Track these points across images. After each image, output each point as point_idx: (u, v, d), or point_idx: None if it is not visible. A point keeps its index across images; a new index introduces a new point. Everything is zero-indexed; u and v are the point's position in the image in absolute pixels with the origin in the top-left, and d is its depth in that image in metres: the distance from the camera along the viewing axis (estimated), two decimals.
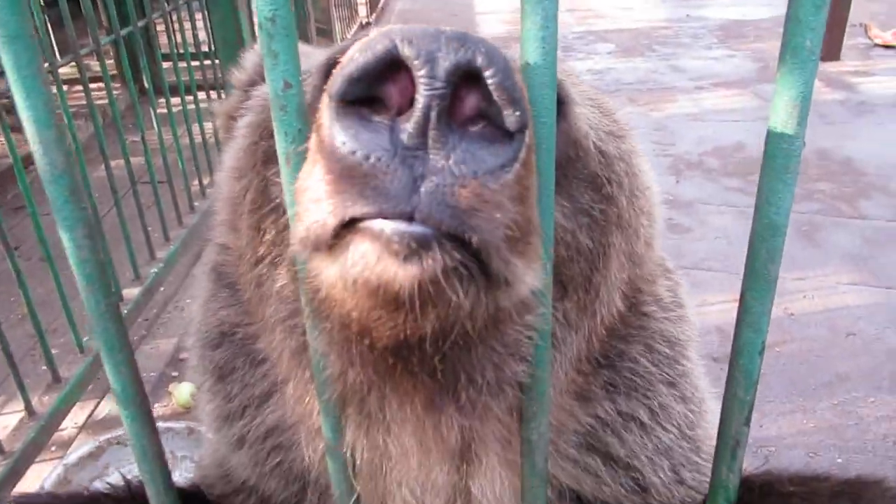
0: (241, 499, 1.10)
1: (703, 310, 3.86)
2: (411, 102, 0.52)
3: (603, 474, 0.98)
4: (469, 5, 11.54)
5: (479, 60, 0.52)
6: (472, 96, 0.53)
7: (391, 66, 0.52)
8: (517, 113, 0.54)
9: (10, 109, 2.93)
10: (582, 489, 0.99)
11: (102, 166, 3.55)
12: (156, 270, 3.77)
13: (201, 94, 4.84)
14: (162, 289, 4.13)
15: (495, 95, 0.53)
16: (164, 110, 4.28)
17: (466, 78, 0.52)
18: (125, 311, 3.45)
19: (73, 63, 3.32)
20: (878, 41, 8.49)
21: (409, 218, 0.53)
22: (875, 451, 2.96)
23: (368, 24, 9.99)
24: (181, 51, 4.51)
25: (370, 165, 0.52)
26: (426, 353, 0.64)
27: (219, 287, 1.06)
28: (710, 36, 9.15)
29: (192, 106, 4.60)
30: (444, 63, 0.51)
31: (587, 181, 0.88)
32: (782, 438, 3.03)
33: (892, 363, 3.44)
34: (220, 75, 5.11)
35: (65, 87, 3.26)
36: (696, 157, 5.71)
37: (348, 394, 0.73)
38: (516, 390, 0.77)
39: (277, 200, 0.83)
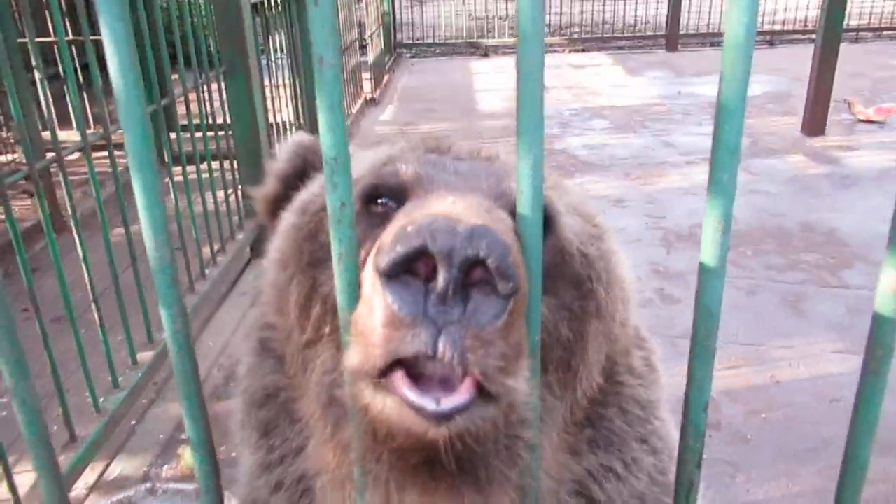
0: None
1: None
2: (435, 269, 0.76)
3: None
4: (469, 84, 12.02)
5: (482, 253, 0.74)
6: (479, 270, 0.76)
7: (421, 254, 0.76)
8: (510, 284, 0.76)
9: (42, 175, 3.10)
10: None
11: (121, 229, 3.77)
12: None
13: (215, 164, 5.08)
14: None
15: (494, 274, 0.76)
16: (179, 178, 4.52)
17: (474, 262, 0.76)
18: (138, 376, 3.60)
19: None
20: (861, 117, 8.86)
21: (434, 354, 0.77)
22: None
23: (373, 99, 10.42)
24: (197, 122, 4.79)
25: (410, 321, 0.76)
26: (449, 462, 0.84)
27: (264, 357, 1.24)
28: (701, 112, 9.53)
29: (206, 174, 4.84)
30: (459, 258, 0.75)
31: (571, 280, 1.08)
32: (769, 502, 3.14)
33: (878, 428, 3.57)
34: (233, 145, 5.40)
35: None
36: (687, 229, 5.94)
37: (372, 478, 0.92)
38: (524, 457, 0.95)
39: (324, 296, 1.04)
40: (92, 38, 3.60)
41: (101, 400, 3.34)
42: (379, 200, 1.06)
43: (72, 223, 3.23)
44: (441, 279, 0.75)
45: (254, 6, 5.39)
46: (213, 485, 0.91)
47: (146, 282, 3.87)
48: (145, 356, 3.71)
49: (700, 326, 0.82)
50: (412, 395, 0.78)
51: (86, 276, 3.34)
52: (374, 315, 0.78)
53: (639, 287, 4.70)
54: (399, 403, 0.79)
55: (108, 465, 3.57)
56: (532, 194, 0.74)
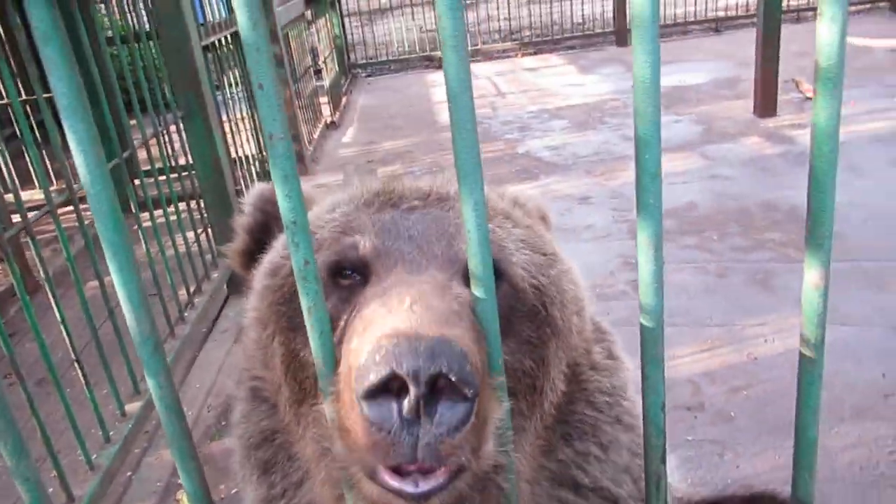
0: None
1: (672, 364, 4.12)
2: (405, 384, 0.85)
3: (577, 500, 1.24)
4: (426, 96, 12.12)
5: (444, 368, 0.84)
6: (443, 381, 0.86)
7: (392, 378, 0.85)
8: (470, 390, 0.86)
9: (10, 240, 3.10)
10: None
11: (92, 282, 3.78)
12: None
13: (182, 206, 5.09)
14: None
15: (457, 384, 0.85)
16: (148, 223, 4.53)
17: (438, 375, 0.85)
18: (129, 428, 3.60)
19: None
20: (809, 94, 9.10)
21: (415, 461, 0.89)
22: (843, 478, 3.18)
23: (333, 122, 10.47)
24: (160, 166, 4.81)
25: (390, 438, 0.86)
26: None
27: (257, 404, 1.32)
28: None
29: (174, 217, 4.85)
30: (424, 377, 0.84)
31: (527, 315, 1.18)
32: (758, 475, 3.24)
33: (850, 395, 3.70)
34: (197, 185, 5.42)
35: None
36: None
37: None
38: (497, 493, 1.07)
39: (306, 358, 1.12)
40: (45, 95, 3.62)
41: (95, 456, 3.34)
42: (345, 273, 1.15)
43: (46, 287, 3.23)
44: (411, 396, 0.85)
45: (205, 48, 5.43)
46: None
47: (126, 334, 3.89)
48: (133, 407, 3.72)
49: (647, 336, 0.90)
50: (394, 482, 0.90)
51: (65, 336, 3.34)
52: (358, 430, 0.88)
53: (611, 281, 4.78)
54: (383, 490, 0.91)
55: None
56: (478, 234, 0.81)
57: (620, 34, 14.27)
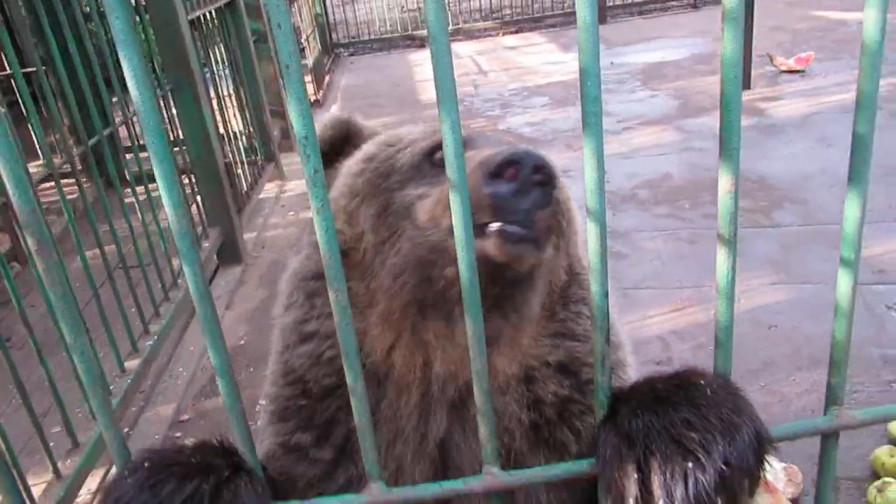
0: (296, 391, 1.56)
1: (644, 323, 4.37)
2: (515, 176, 1.27)
3: (575, 343, 1.57)
4: (409, 76, 12.25)
5: (542, 163, 1.26)
6: (538, 175, 1.28)
7: (510, 162, 1.26)
8: (553, 180, 1.28)
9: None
10: (559, 359, 1.56)
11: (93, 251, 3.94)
12: (151, 343, 4.12)
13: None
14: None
15: (547, 174, 1.27)
16: (144, 197, 4.69)
17: (541, 165, 1.26)
18: (127, 383, 3.78)
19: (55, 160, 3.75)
20: (783, 68, 9.35)
21: (515, 222, 1.27)
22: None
23: (317, 101, 10.59)
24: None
25: (502, 200, 1.26)
26: (502, 283, 1.36)
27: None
28: (633, 80, 9.92)
29: None
30: (530, 161, 1.26)
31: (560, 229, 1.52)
32: None
33: (808, 347, 3.96)
34: (188, 159, 5.57)
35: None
36: (629, 191, 6.30)
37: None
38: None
39: (394, 210, 1.47)
40: (44, 68, 3.76)
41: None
42: (438, 153, 1.49)
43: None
44: (522, 175, 1.27)
45: (191, 23, 5.55)
46: (238, 409, 1.16)
47: (126, 297, 4.07)
48: (132, 364, 3.90)
49: (592, 234, 1.10)
50: (500, 225, 1.25)
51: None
52: (482, 198, 1.27)
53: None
54: (493, 241, 1.26)
55: (108, 470, 3.76)
56: (454, 147, 1.01)
57: (599, 11, 14.40)
